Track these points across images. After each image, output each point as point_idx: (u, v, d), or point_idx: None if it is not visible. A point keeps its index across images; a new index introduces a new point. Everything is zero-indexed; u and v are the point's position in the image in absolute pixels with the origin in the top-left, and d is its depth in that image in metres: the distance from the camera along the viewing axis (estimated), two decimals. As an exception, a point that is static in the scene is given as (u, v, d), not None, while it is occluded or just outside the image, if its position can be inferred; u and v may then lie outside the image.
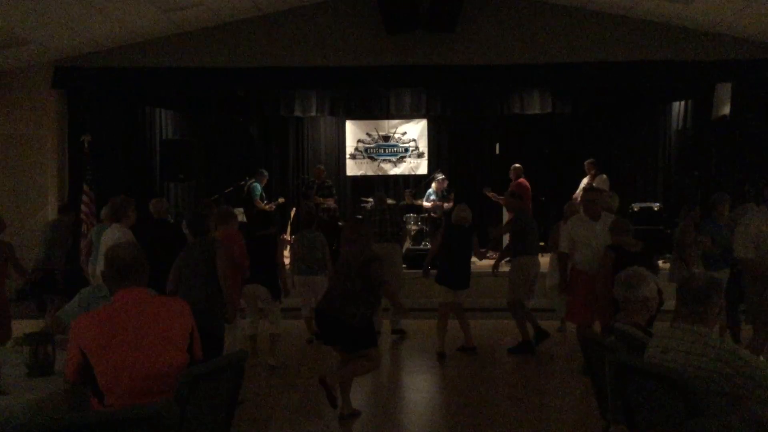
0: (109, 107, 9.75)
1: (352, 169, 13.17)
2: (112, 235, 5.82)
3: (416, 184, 12.53)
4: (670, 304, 3.09)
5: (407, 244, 9.87)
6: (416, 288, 8.33)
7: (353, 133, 13.16)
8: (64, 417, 2.65)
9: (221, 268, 4.65)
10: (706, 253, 6.63)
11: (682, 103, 10.86)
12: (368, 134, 13.14)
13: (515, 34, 9.22)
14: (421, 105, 11.82)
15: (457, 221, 6.73)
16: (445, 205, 10.43)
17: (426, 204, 10.86)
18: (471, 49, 9.24)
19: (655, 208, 10.18)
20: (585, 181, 10.23)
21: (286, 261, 7.06)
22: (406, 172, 13.13)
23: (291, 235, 10.44)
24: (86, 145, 8.87)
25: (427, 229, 10.81)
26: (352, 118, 12.97)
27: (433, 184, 10.90)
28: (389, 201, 10.72)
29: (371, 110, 12.08)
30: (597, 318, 5.40)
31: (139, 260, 2.88)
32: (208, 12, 8.80)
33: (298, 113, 11.90)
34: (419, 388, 5.77)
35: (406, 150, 13.12)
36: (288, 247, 8.65)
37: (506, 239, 8.45)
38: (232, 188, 10.87)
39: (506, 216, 9.92)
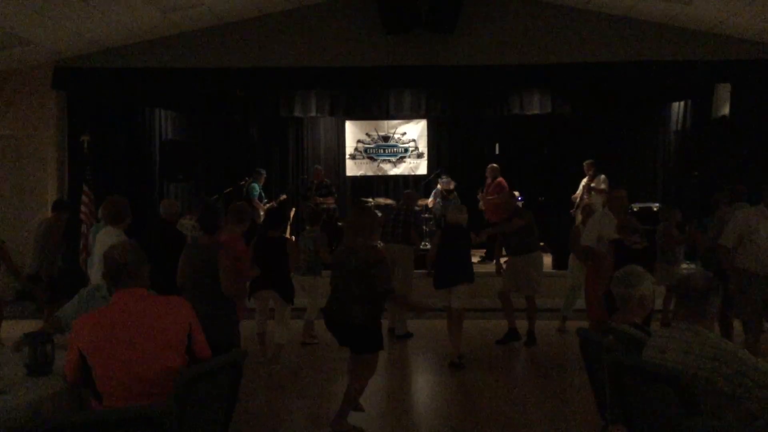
0: (108, 108, 9.77)
1: (352, 169, 13.17)
2: (108, 239, 5.70)
3: (416, 184, 12.55)
4: (657, 303, 3.11)
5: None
6: (421, 288, 8.36)
7: (353, 133, 13.16)
8: (63, 417, 2.66)
9: (226, 279, 4.30)
10: (708, 250, 6.60)
11: (682, 103, 10.86)
12: (368, 134, 13.14)
13: (515, 34, 9.22)
14: (421, 105, 11.83)
15: (454, 222, 6.57)
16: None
17: (429, 201, 10.89)
18: (470, 50, 9.24)
19: (655, 209, 10.16)
20: (584, 181, 10.24)
21: None
22: (406, 173, 13.13)
23: (291, 235, 10.45)
24: (86, 145, 8.86)
25: (427, 229, 10.81)
26: (352, 118, 12.98)
27: (438, 185, 10.91)
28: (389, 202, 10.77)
29: (371, 110, 12.09)
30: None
31: (135, 261, 2.87)
32: (207, 12, 8.81)
33: (297, 114, 11.91)
34: (419, 387, 5.78)
35: (406, 150, 13.13)
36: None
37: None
38: (231, 188, 10.88)
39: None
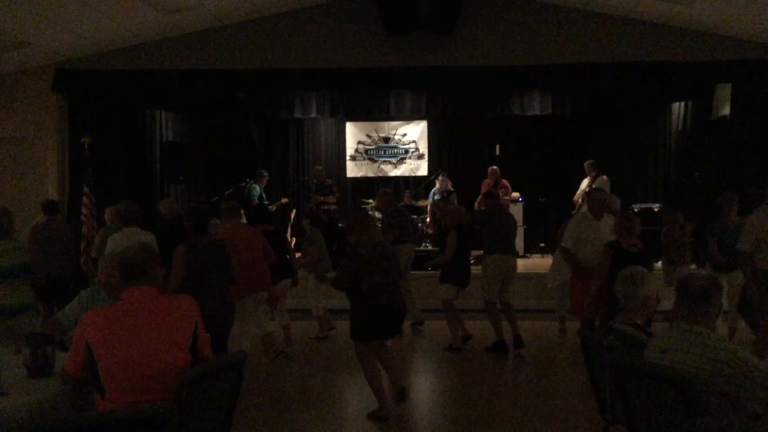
0: (109, 109, 9.76)
1: (353, 170, 13.17)
2: (141, 237, 5.83)
3: (416, 185, 12.55)
4: (666, 304, 3.10)
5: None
6: (422, 288, 8.40)
7: (353, 134, 13.17)
8: (64, 418, 2.67)
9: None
10: (712, 255, 6.59)
11: (682, 103, 10.87)
12: (368, 136, 13.14)
13: (515, 35, 9.22)
14: (421, 106, 11.83)
15: (466, 223, 6.93)
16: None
17: (427, 202, 10.90)
18: (471, 51, 9.24)
19: (655, 209, 10.17)
20: (585, 182, 10.22)
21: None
22: (407, 174, 13.13)
23: (291, 236, 10.44)
24: (86, 147, 8.86)
25: (427, 230, 10.82)
26: (353, 119, 12.98)
27: (437, 184, 10.91)
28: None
29: (371, 112, 12.09)
30: (596, 314, 5.41)
31: (147, 260, 2.99)
32: (207, 14, 8.82)
33: (298, 115, 11.92)
34: (420, 388, 5.77)
35: (407, 151, 13.13)
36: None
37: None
38: (232, 190, 10.87)
39: None
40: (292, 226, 11.20)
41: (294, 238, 10.37)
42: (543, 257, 11.67)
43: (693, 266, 8.18)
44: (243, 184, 11.01)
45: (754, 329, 5.76)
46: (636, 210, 10.09)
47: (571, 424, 4.75)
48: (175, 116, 11.57)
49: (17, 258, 4.86)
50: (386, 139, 13.14)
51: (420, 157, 13.10)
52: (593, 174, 10.05)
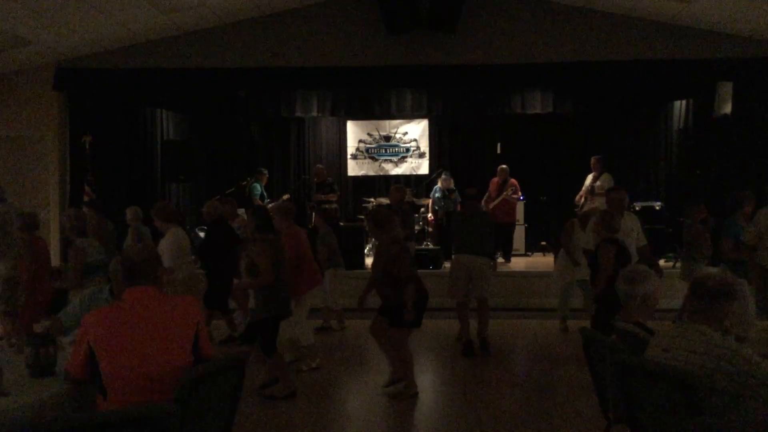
0: (110, 108, 9.76)
1: (354, 169, 13.17)
2: (182, 234, 6.55)
3: (417, 184, 12.55)
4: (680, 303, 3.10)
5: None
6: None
7: (354, 133, 13.16)
8: (65, 418, 2.66)
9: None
10: (725, 254, 6.46)
11: (684, 101, 10.84)
12: (369, 134, 13.14)
13: (516, 33, 9.21)
14: (423, 105, 11.80)
15: None
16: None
17: (429, 200, 10.89)
18: (472, 49, 9.23)
19: (657, 207, 10.15)
20: (589, 179, 10.11)
21: None
22: (408, 172, 13.12)
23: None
24: (87, 146, 8.88)
25: (429, 229, 10.81)
26: (354, 118, 12.97)
27: (439, 182, 10.90)
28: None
29: (372, 110, 12.06)
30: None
31: (150, 261, 3.01)
32: (209, 13, 8.81)
33: (299, 113, 11.90)
34: (423, 387, 5.76)
35: (408, 150, 13.12)
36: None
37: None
38: (233, 189, 10.87)
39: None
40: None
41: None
42: (544, 255, 11.67)
43: (716, 269, 8.09)
44: (244, 183, 11.00)
45: None
46: (637, 208, 10.07)
47: (573, 424, 4.74)
48: (176, 115, 11.57)
49: (98, 255, 5.34)
50: (387, 138, 13.13)
51: (421, 155, 13.09)
52: (597, 171, 9.97)
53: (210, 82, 9.56)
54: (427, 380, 5.93)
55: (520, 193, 10.95)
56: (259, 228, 5.15)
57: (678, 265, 9.19)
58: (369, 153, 13.15)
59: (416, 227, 10.52)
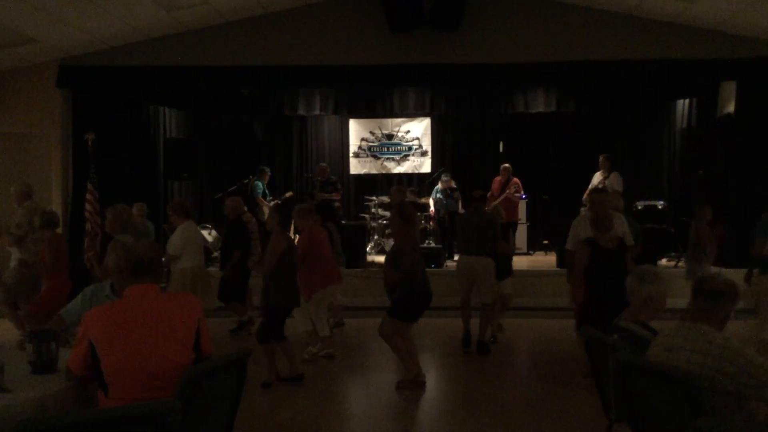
0: (113, 106, 9.75)
1: (356, 167, 13.17)
2: (195, 228, 6.89)
3: (420, 182, 12.54)
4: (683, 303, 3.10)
5: None
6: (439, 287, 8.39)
7: (357, 131, 13.16)
8: (67, 414, 2.67)
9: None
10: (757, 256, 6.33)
11: (687, 101, 10.83)
12: (372, 133, 13.13)
13: (519, 32, 9.19)
14: (425, 103, 11.81)
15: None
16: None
17: (430, 200, 10.88)
18: (475, 48, 9.22)
19: (660, 207, 10.14)
20: (597, 176, 10.04)
21: None
22: (410, 171, 13.12)
23: (295, 233, 10.42)
24: (90, 143, 8.87)
25: (430, 228, 10.81)
26: (356, 116, 12.97)
27: (440, 183, 10.89)
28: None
29: (375, 109, 12.08)
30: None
31: (154, 258, 3.03)
32: (212, 11, 8.81)
33: (302, 112, 11.91)
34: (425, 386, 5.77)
35: (410, 148, 13.12)
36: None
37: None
38: (236, 187, 10.88)
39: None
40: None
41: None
42: (546, 254, 11.66)
43: (719, 270, 8.09)
44: (246, 181, 11.01)
45: None
46: (640, 207, 10.06)
47: (575, 423, 4.74)
48: (179, 113, 11.58)
49: None
50: (390, 136, 13.13)
51: (423, 154, 13.09)
52: (606, 170, 9.90)
53: (213, 80, 9.56)
54: (429, 379, 5.93)
55: (522, 192, 10.93)
56: (281, 223, 5.57)
57: (680, 264, 9.21)
58: (371, 151, 13.15)
59: (420, 226, 10.57)
